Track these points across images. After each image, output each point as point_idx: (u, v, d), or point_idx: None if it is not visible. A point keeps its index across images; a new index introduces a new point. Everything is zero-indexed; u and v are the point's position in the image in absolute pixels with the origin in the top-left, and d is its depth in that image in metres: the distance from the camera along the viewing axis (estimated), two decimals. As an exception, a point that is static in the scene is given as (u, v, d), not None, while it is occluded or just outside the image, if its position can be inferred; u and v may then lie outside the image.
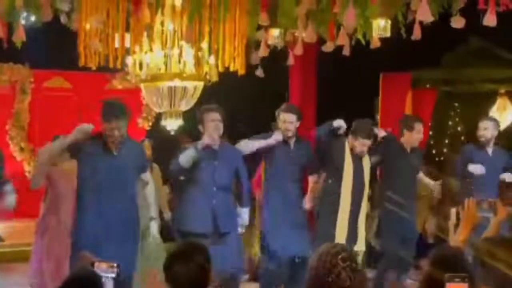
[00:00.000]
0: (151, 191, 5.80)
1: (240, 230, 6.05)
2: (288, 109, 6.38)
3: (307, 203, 6.42)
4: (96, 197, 5.20)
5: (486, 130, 6.86)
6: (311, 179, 6.55)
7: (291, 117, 6.27)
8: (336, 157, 6.28)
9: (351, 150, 6.26)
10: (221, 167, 5.82)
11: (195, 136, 6.02)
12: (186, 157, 5.69)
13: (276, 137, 6.24)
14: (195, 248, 3.18)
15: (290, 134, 6.28)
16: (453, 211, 7.65)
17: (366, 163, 6.36)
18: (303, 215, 6.38)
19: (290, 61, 7.72)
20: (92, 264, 3.05)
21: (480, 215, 3.53)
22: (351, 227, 6.23)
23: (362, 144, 6.23)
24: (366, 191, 6.38)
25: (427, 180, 7.06)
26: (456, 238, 3.46)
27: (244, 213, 6.01)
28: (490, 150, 6.92)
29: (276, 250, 6.09)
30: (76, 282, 2.91)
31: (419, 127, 6.80)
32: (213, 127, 5.77)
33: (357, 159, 6.28)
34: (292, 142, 6.34)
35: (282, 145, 6.25)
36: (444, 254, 3.02)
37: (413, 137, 6.76)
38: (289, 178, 6.26)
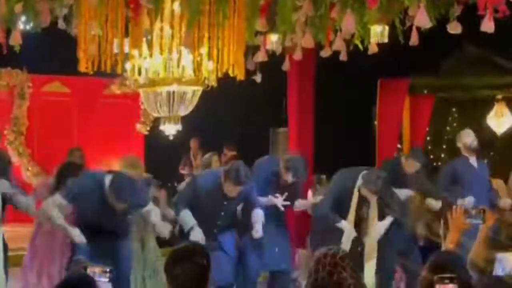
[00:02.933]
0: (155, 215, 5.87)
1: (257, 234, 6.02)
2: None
3: (299, 204, 6.49)
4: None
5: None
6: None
7: None
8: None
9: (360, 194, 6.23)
10: (229, 205, 5.98)
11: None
12: (184, 224, 5.85)
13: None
14: (193, 249, 3.23)
15: None
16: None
17: (374, 208, 6.24)
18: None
19: (286, 66, 7.73)
20: (85, 269, 3.08)
21: (468, 222, 3.53)
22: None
23: (369, 195, 6.20)
24: (372, 236, 6.23)
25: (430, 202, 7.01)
26: (446, 245, 3.48)
27: (256, 214, 6.00)
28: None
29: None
30: (70, 285, 2.93)
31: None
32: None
33: (363, 203, 6.24)
34: None
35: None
36: (443, 259, 3.02)
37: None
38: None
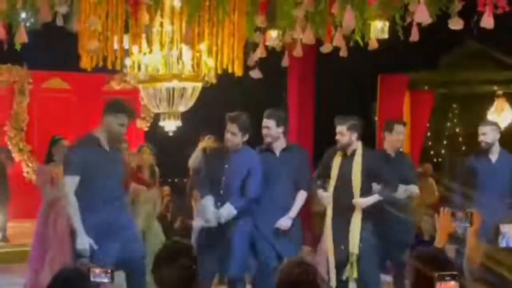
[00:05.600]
0: None
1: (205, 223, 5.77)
2: (267, 114, 6.02)
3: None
4: (94, 195, 5.25)
5: (485, 136, 6.53)
6: (300, 194, 6.03)
7: (269, 123, 5.93)
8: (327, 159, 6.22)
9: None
10: (231, 171, 5.75)
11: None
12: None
13: None
14: (180, 250, 3.18)
15: (268, 139, 5.97)
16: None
17: (357, 163, 6.01)
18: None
19: (285, 62, 7.72)
20: (88, 270, 3.08)
21: (455, 224, 3.52)
22: (338, 227, 5.94)
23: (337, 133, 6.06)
24: (356, 190, 5.97)
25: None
26: (435, 245, 3.50)
27: (225, 208, 5.69)
28: (493, 157, 6.56)
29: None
30: (62, 279, 2.94)
31: (398, 128, 6.70)
32: (227, 137, 5.78)
33: (346, 158, 6.05)
34: (278, 150, 6.01)
35: (268, 154, 5.96)
36: (426, 253, 3.06)
37: (393, 139, 6.68)
38: (277, 187, 5.92)
